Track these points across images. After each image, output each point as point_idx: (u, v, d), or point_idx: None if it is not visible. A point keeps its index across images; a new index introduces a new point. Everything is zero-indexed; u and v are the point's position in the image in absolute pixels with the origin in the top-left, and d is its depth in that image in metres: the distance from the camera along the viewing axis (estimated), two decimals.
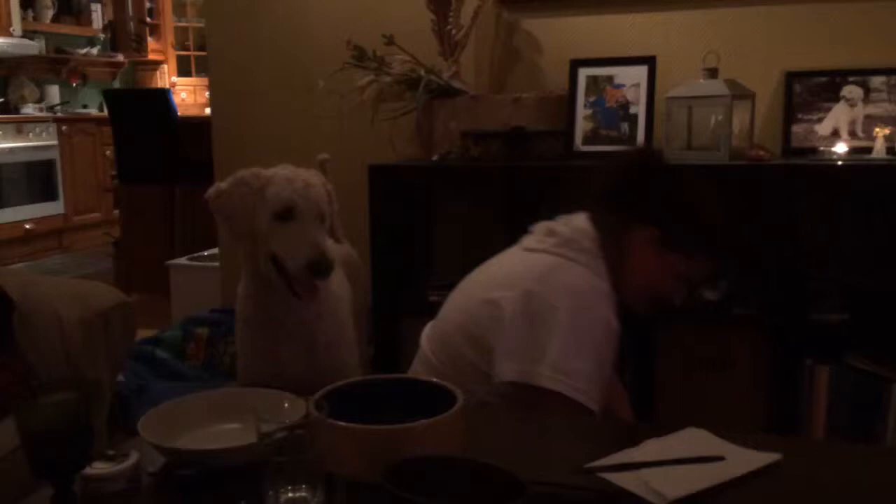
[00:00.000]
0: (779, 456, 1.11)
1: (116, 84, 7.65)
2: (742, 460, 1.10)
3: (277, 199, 1.45)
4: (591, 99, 2.47)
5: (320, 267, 1.41)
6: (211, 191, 1.52)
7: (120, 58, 7.54)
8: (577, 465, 1.10)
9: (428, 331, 1.64)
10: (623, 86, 2.44)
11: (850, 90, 2.31)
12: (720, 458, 1.11)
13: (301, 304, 1.49)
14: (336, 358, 1.57)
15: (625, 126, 2.42)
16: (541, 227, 1.59)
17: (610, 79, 2.46)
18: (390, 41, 2.49)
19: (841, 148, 2.27)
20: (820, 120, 2.35)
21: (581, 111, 2.47)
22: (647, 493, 1.02)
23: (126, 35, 7.60)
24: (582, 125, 2.46)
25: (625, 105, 2.43)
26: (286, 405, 1.11)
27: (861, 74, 2.31)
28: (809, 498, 1.03)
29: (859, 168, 2.17)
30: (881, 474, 1.12)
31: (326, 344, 1.55)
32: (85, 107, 7.14)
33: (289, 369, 1.50)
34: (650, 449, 1.15)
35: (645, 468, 1.08)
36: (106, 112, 4.93)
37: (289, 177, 1.48)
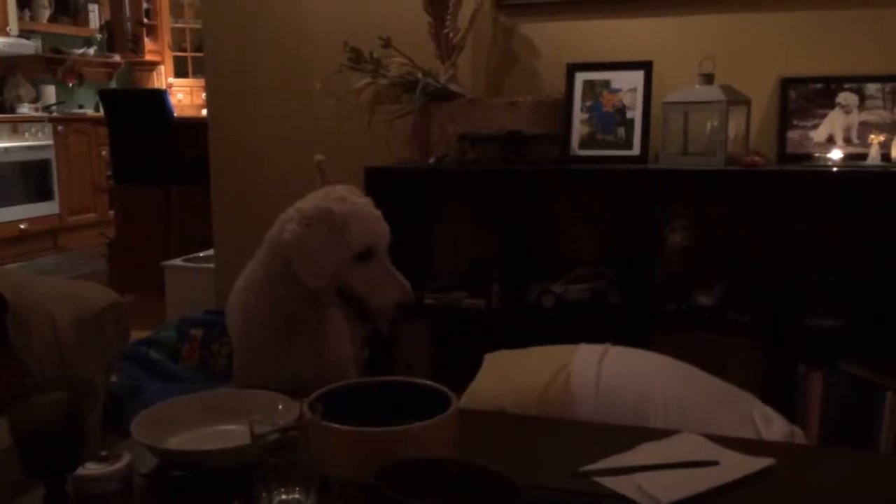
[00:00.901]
0: (772, 461, 1.11)
1: (113, 84, 7.64)
2: (735, 465, 1.11)
3: (361, 241, 1.41)
4: (588, 103, 2.47)
5: (410, 306, 1.42)
6: (285, 236, 1.42)
7: (116, 58, 7.54)
8: (572, 468, 1.10)
9: None
10: (620, 90, 2.45)
11: (846, 97, 2.32)
12: (714, 463, 1.11)
13: (318, 310, 1.49)
14: (341, 356, 1.57)
15: (621, 131, 2.43)
16: None
17: (607, 83, 2.46)
18: (387, 43, 2.49)
19: (836, 154, 2.28)
20: (815, 126, 2.36)
21: (578, 115, 2.47)
22: (641, 497, 1.02)
23: (123, 35, 7.59)
24: (578, 129, 2.47)
25: (621, 110, 2.43)
26: (280, 406, 1.11)
27: (856, 81, 2.32)
28: (802, 502, 1.04)
29: (854, 174, 2.18)
30: (874, 481, 1.12)
31: (333, 343, 1.56)
32: (81, 107, 7.13)
33: (298, 368, 1.49)
34: (644, 453, 1.15)
35: (639, 472, 1.08)
36: (102, 112, 4.92)
37: (362, 213, 1.44)
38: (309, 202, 1.46)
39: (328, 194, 1.47)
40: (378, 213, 1.49)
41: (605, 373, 1.49)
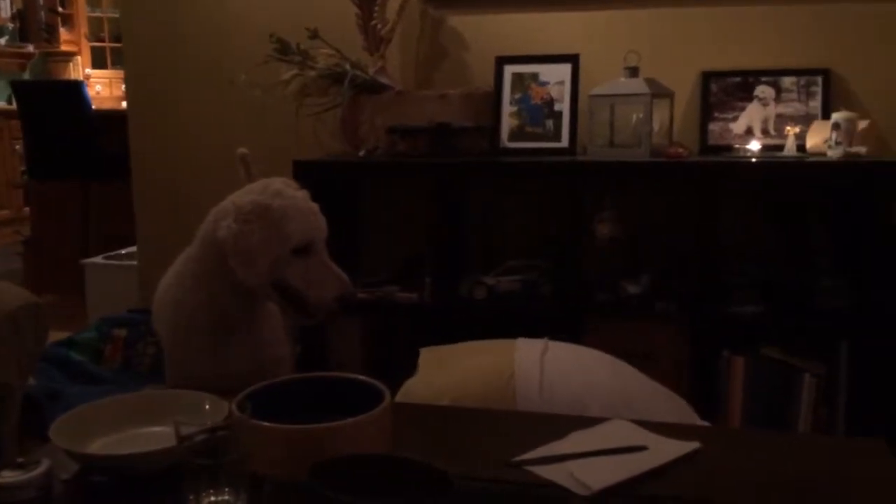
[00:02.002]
0: (698, 444, 1.14)
1: (26, 76, 7.32)
2: (663, 449, 1.13)
3: (299, 237, 1.38)
4: (517, 96, 2.49)
5: (349, 300, 1.39)
6: (220, 233, 1.38)
7: (30, 48, 7.23)
8: (505, 458, 1.10)
9: None
10: (548, 83, 2.47)
11: (763, 90, 2.40)
12: (643, 448, 1.13)
13: (254, 305, 1.47)
14: (277, 353, 1.55)
15: (549, 123, 2.45)
16: None
17: (535, 76, 2.48)
18: (314, 35, 2.46)
19: (755, 146, 2.35)
20: (735, 118, 2.43)
21: (507, 108, 2.49)
22: (573, 485, 1.04)
23: (36, 24, 7.29)
24: (508, 122, 2.48)
25: (549, 102, 2.46)
26: (207, 406, 1.08)
27: (773, 75, 2.40)
28: (728, 483, 1.07)
29: (772, 165, 2.25)
30: (794, 460, 1.16)
31: (270, 340, 1.53)
32: None
33: (234, 366, 1.45)
34: (576, 440, 1.16)
35: (570, 460, 1.10)
36: (14, 105, 4.71)
37: (300, 208, 1.41)
38: (245, 196, 1.42)
39: (265, 188, 1.43)
40: (315, 206, 1.46)
41: (548, 368, 1.51)
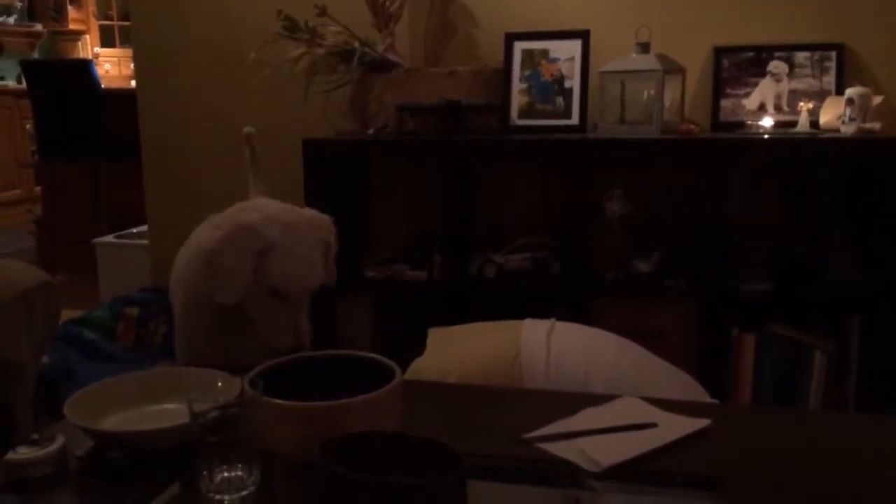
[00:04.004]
0: (708, 421, 1.14)
1: (35, 55, 7.32)
2: (674, 427, 1.13)
3: (279, 279, 1.33)
4: (527, 73, 2.47)
5: (298, 352, 1.33)
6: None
7: (38, 27, 7.22)
8: (515, 436, 1.11)
9: None
10: (558, 60, 2.45)
11: (776, 65, 2.37)
12: (653, 425, 1.14)
13: None
14: (285, 344, 1.54)
15: (560, 100, 2.44)
16: None
17: (545, 52, 2.46)
18: (323, 12, 2.44)
19: (767, 122, 2.33)
20: (747, 94, 2.40)
21: (516, 85, 2.47)
22: (583, 461, 1.04)
23: (44, 4, 7.27)
24: (517, 99, 2.47)
25: (560, 79, 2.44)
26: (220, 384, 1.09)
27: (786, 50, 2.37)
28: (737, 460, 1.07)
29: (784, 142, 2.23)
30: (804, 437, 1.16)
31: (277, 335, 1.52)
32: (2, 79, 6.82)
33: (244, 349, 1.45)
34: (586, 418, 1.16)
35: (581, 437, 1.10)
36: (24, 84, 4.71)
37: (290, 250, 1.34)
38: (250, 215, 1.37)
39: (274, 218, 1.37)
40: (316, 255, 1.39)
41: (554, 347, 1.51)
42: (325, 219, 1.46)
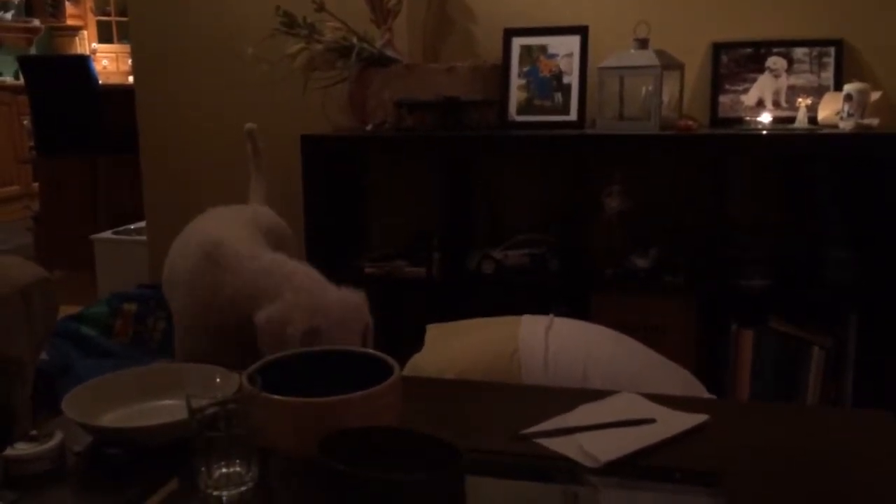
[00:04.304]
0: (706, 417, 1.15)
1: (33, 51, 7.30)
2: (672, 422, 1.13)
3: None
4: (525, 69, 2.47)
5: None
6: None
7: (36, 23, 7.20)
8: (513, 431, 1.11)
9: None
10: (556, 56, 2.45)
11: (775, 61, 2.37)
12: (651, 421, 1.14)
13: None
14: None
15: (558, 96, 2.43)
16: None
17: (543, 48, 2.46)
18: (321, 7, 2.43)
19: (766, 118, 2.33)
20: (746, 90, 2.40)
21: (515, 81, 2.47)
22: (582, 457, 1.04)
23: None
24: (516, 95, 2.46)
25: (558, 75, 2.44)
26: (218, 380, 1.09)
27: (784, 46, 2.37)
28: (736, 455, 1.07)
29: (783, 137, 2.23)
30: (802, 433, 1.16)
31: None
32: None
33: (243, 347, 1.45)
34: (584, 413, 1.17)
35: (579, 432, 1.10)
36: (22, 80, 4.71)
37: (333, 341, 1.34)
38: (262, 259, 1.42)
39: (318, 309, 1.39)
40: (354, 342, 1.41)
41: (553, 343, 1.51)
42: (360, 300, 1.47)
